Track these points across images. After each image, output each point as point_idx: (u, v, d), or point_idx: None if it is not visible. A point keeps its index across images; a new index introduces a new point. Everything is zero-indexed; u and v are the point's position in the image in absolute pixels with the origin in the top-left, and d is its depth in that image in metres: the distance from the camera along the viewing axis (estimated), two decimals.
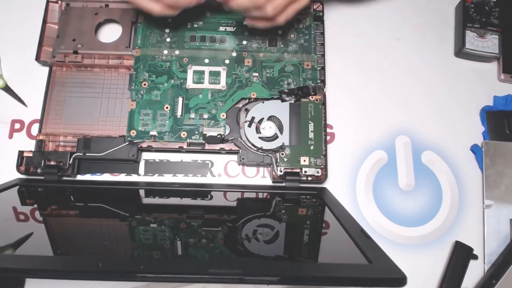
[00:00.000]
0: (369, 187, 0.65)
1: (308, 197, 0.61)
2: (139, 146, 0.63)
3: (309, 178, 0.62)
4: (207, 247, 0.48)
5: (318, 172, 0.62)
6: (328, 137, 0.66)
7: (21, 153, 0.62)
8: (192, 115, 0.63)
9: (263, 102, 0.64)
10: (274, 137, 0.63)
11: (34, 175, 0.62)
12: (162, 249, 0.47)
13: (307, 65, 0.66)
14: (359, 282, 0.37)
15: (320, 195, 0.60)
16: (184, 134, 0.62)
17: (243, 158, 0.63)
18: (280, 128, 0.63)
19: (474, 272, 0.61)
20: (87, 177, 0.64)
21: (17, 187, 0.60)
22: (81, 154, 0.62)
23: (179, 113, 0.63)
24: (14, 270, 0.37)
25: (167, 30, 0.67)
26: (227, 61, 0.65)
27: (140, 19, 0.67)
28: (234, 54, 0.66)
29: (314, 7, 0.69)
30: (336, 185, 0.65)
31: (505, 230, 0.63)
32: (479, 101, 0.70)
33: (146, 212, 0.60)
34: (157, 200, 0.63)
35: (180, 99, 0.63)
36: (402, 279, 0.35)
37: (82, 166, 0.64)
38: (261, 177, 0.66)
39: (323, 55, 0.67)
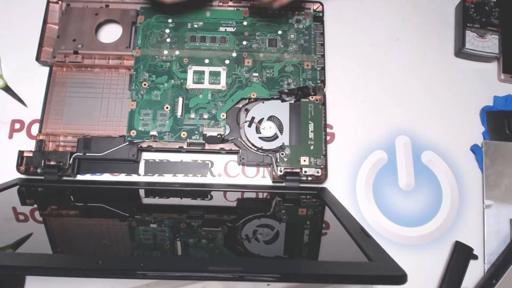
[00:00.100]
0: (369, 187, 0.65)
1: (308, 197, 0.61)
2: (139, 146, 0.63)
3: (309, 178, 0.62)
4: (207, 247, 0.47)
5: (318, 172, 0.62)
6: (328, 137, 0.66)
7: (21, 153, 0.62)
8: (192, 115, 0.63)
9: (263, 102, 0.64)
10: (274, 137, 0.63)
11: (34, 175, 0.62)
12: (162, 249, 0.47)
13: (307, 65, 0.66)
14: (360, 279, 0.37)
15: (320, 195, 0.60)
16: (184, 134, 0.62)
17: (243, 158, 0.63)
18: (280, 128, 0.63)
19: (474, 272, 0.61)
20: (87, 177, 0.64)
21: (17, 187, 0.60)
22: (81, 154, 0.62)
23: (179, 113, 0.63)
24: (15, 268, 0.37)
25: (167, 31, 0.67)
26: (227, 61, 0.66)
27: (140, 20, 0.67)
28: (234, 54, 0.66)
29: (314, 7, 0.69)
30: (336, 185, 0.65)
31: (505, 230, 0.63)
32: (479, 101, 0.70)
33: (146, 212, 0.60)
34: (157, 200, 0.63)
35: (180, 99, 0.63)
36: (403, 277, 0.35)
37: (82, 166, 0.64)
38: (261, 177, 0.66)
39: (323, 55, 0.67)
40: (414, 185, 0.66)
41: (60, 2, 0.69)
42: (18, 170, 0.62)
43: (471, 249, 0.61)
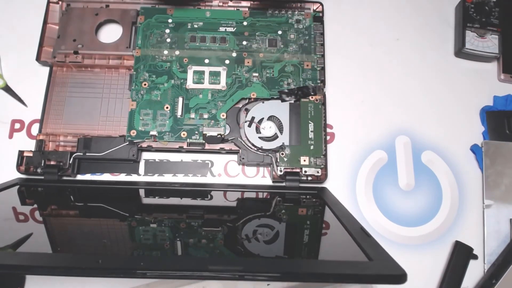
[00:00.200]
0: (369, 187, 0.65)
1: (308, 197, 0.61)
2: (139, 146, 0.63)
3: (309, 178, 0.62)
4: (207, 247, 0.47)
5: (318, 172, 0.62)
6: (328, 137, 0.66)
7: (21, 153, 0.62)
8: (192, 115, 0.63)
9: (263, 102, 0.64)
10: (274, 137, 0.63)
11: (34, 175, 0.62)
12: (162, 249, 0.47)
13: (307, 65, 0.66)
14: (360, 279, 0.37)
15: (320, 195, 0.60)
16: (184, 134, 0.62)
17: (243, 158, 0.63)
18: (280, 128, 0.63)
19: (474, 272, 0.61)
20: (87, 177, 0.64)
21: (17, 187, 0.60)
22: (81, 154, 0.62)
23: (179, 113, 0.63)
24: (15, 267, 0.37)
25: (167, 31, 0.67)
26: (227, 61, 0.66)
27: (140, 20, 0.67)
28: (234, 54, 0.66)
29: (314, 7, 0.69)
30: (336, 185, 0.65)
31: (505, 230, 0.63)
32: (479, 101, 0.70)
33: (146, 212, 0.60)
34: (157, 200, 0.63)
35: (180, 99, 0.63)
36: (402, 276, 0.35)
37: (82, 166, 0.64)
38: (261, 177, 0.66)
39: (323, 55, 0.67)
40: (414, 185, 0.66)
41: (60, 2, 0.69)
42: (18, 170, 0.62)
43: (471, 249, 0.61)
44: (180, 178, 0.65)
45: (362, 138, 0.67)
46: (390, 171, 0.66)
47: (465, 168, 0.67)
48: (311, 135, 0.63)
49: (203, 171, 0.65)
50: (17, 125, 0.66)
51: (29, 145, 0.64)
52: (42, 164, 0.61)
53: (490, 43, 0.70)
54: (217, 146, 0.63)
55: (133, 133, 0.62)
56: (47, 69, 0.67)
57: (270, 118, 0.64)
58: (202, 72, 0.65)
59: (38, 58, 0.66)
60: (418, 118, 0.69)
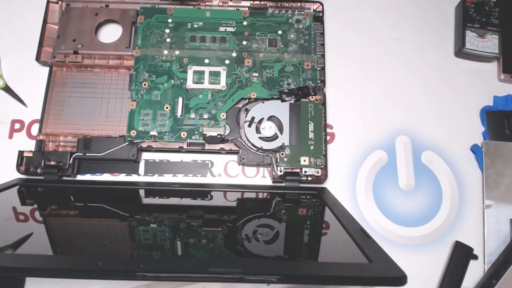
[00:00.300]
0: (369, 187, 0.65)
1: (308, 197, 0.61)
2: (139, 146, 0.63)
3: (309, 178, 0.62)
4: (207, 247, 0.47)
5: (318, 172, 0.62)
6: (328, 137, 0.66)
7: (21, 153, 0.62)
8: (192, 115, 0.63)
9: (263, 102, 0.64)
10: (274, 137, 0.63)
11: (34, 175, 0.62)
12: (162, 249, 0.47)
13: (307, 65, 0.66)
14: (360, 281, 0.37)
15: (320, 195, 0.60)
16: (184, 134, 0.62)
17: (243, 158, 0.63)
18: (280, 128, 0.63)
19: (474, 272, 0.61)
20: (87, 177, 0.64)
21: (17, 187, 0.60)
22: (81, 154, 0.62)
23: (179, 113, 0.63)
24: (15, 269, 0.37)
25: (167, 31, 0.67)
26: (227, 61, 0.66)
27: (140, 19, 0.67)
28: (234, 54, 0.66)
29: (314, 7, 0.69)
30: (336, 185, 0.65)
31: (505, 230, 0.63)
32: (479, 101, 0.70)
33: (146, 212, 0.60)
34: (157, 200, 0.63)
35: (180, 99, 0.63)
36: (402, 278, 0.35)
37: (82, 166, 0.64)
38: (261, 177, 0.66)
39: (323, 55, 0.67)
40: (414, 185, 0.66)
41: (60, 2, 0.69)
42: (18, 170, 0.62)
43: (471, 249, 0.61)
44: (180, 178, 0.65)
45: (362, 138, 0.67)
46: (390, 171, 0.66)
47: (465, 168, 0.67)
48: (311, 135, 0.63)
49: (203, 171, 0.65)
50: (17, 125, 0.66)
51: (29, 145, 0.64)
52: (42, 164, 0.61)
53: (490, 43, 0.70)
54: (217, 146, 0.63)
55: (133, 133, 0.62)
56: (47, 69, 0.67)
57: (270, 118, 0.64)
58: (202, 72, 0.65)
59: (38, 58, 0.66)
60: (418, 118, 0.69)
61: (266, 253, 0.48)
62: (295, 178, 0.62)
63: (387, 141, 0.67)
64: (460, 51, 0.71)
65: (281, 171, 0.62)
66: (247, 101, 0.65)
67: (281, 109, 0.64)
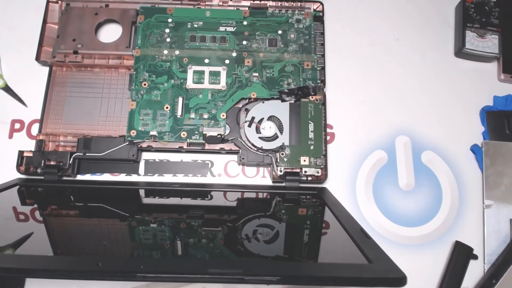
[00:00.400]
0: (369, 187, 0.65)
1: (308, 197, 0.61)
2: (139, 146, 0.63)
3: (309, 178, 0.62)
4: (207, 247, 0.47)
5: (318, 172, 0.62)
6: (328, 137, 0.66)
7: (21, 153, 0.62)
8: (192, 115, 0.63)
9: (263, 102, 0.64)
10: (274, 137, 0.63)
11: (34, 175, 0.62)
12: (162, 249, 0.47)
13: (307, 65, 0.66)
14: (359, 282, 0.37)
15: (320, 195, 0.60)
16: (184, 134, 0.62)
17: (243, 158, 0.63)
18: (280, 128, 0.63)
19: (474, 272, 0.61)
20: (87, 177, 0.64)
21: (17, 187, 0.60)
22: (81, 154, 0.62)
23: (179, 113, 0.63)
24: (15, 270, 0.37)
25: (167, 30, 0.67)
26: (227, 61, 0.66)
27: (140, 19, 0.67)
28: (234, 54, 0.66)
29: (314, 7, 0.69)
30: (336, 185, 0.65)
31: (505, 230, 0.63)
32: (479, 101, 0.70)
33: (146, 212, 0.60)
34: (157, 200, 0.63)
35: (180, 99, 0.63)
36: (402, 279, 0.35)
37: (82, 166, 0.64)
38: (261, 177, 0.66)
39: (323, 55, 0.67)
40: (414, 185, 0.66)
41: (59, 2, 0.69)
42: (18, 170, 0.62)
43: (471, 249, 0.61)
44: (180, 178, 0.65)
45: (362, 138, 0.67)
46: (390, 171, 0.66)
47: (465, 168, 0.67)
48: (311, 135, 0.63)
49: (203, 171, 0.65)
50: (17, 125, 0.66)
51: (29, 145, 0.64)
52: (42, 164, 0.61)
53: (490, 43, 0.70)
54: (217, 146, 0.63)
55: (133, 133, 0.62)
56: (46, 69, 0.67)
57: (270, 118, 0.64)
58: (202, 72, 0.65)
59: (37, 58, 0.66)
60: (418, 118, 0.69)
61: (266, 253, 0.48)
62: (295, 178, 0.62)
63: (387, 141, 0.67)
64: (460, 51, 0.71)
65: (281, 171, 0.62)
66: (247, 101, 0.65)
67: (281, 109, 0.64)
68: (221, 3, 0.69)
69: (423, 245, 0.63)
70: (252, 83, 0.65)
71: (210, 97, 0.64)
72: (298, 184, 0.62)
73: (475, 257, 0.61)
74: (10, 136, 0.66)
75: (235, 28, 0.67)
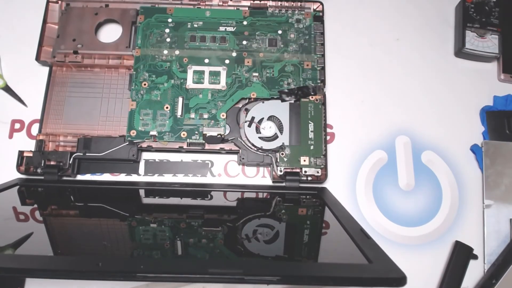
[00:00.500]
0: (369, 187, 0.65)
1: (308, 197, 0.61)
2: (139, 146, 0.63)
3: (309, 178, 0.62)
4: (207, 247, 0.47)
5: (318, 172, 0.62)
6: (328, 137, 0.66)
7: (21, 153, 0.62)
8: (192, 115, 0.63)
9: (263, 102, 0.64)
10: (274, 137, 0.63)
11: (34, 175, 0.62)
12: (162, 249, 0.47)
13: (307, 65, 0.66)
14: (359, 281, 0.37)
15: (320, 195, 0.60)
16: (184, 134, 0.62)
17: (243, 158, 0.63)
18: (280, 128, 0.63)
19: (474, 272, 0.61)
20: (87, 177, 0.64)
21: (17, 187, 0.60)
22: (81, 154, 0.62)
23: (179, 113, 0.63)
24: (15, 270, 0.37)
25: (167, 30, 0.67)
26: (227, 61, 0.65)
27: (140, 19, 0.67)
28: (234, 54, 0.66)
29: (314, 7, 0.69)
30: (336, 185, 0.65)
31: (505, 230, 0.63)
32: (479, 101, 0.70)
33: (146, 212, 0.60)
34: (157, 200, 0.63)
35: (180, 99, 0.63)
36: (402, 279, 0.35)
37: (82, 166, 0.64)
38: (261, 177, 0.66)
39: (323, 55, 0.67)
40: (414, 185, 0.66)
41: (59, 2, 0.69)
42: (18, 170, 0.62)
43: (471, 249, 0.61)
44: (180, 178, 0.65)
45: (362, 138, 0.67)
46: (390, 171, 0.66)
47: (465, 168, 0.67)
48: (311, 135, 0.63)
49: (203, 171, 0.65)
50: (17, 125, 0.66)
51: (29, 145, 0.64)
52: (42, 164, 0.61)
53: (490, 43, 0.70)
54: (217, 146, 0.63)
55: (133, 133, 0.62)
56: (46, 69, 0.67)
57: (270, 118, 0.64)
58: (202, 72, 0.65)
59: (37, 58, 0.66)
60: (418, 118, 0.69)
61: (266, 253, 0.48)
62: (295, 178, 0.62)
63: (387, 141, 0.67)
64: (460, 51, 0.71)
65: (281, 171, 0.62)
66: (247, 101, 0.65)
67: (281, 109, 0.64)
68: (221, 3, 0.69)
69: (423, 245, 0.63)
70: (252, 83, 0.65)
71: (210, 97, 0.64)
72: (298, 184, 0.62)
73: (475, 257, 0.61)
74: (10, 136, 0.66)
75: (235, 28, 0.67)
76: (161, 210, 0.61)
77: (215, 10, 0.69)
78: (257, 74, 0.65)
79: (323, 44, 0.67)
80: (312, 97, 0.64)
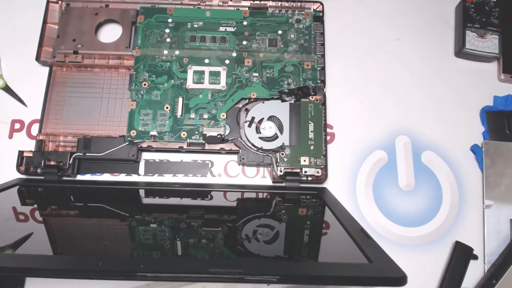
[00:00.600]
0: (369, 187, 0.65)
1: (308, 197, 0.61)
2: (139, 146, 0.63)
3: (309, 178, 0.62)
4: (207, 247, 0.47)
5: (318, 172, 0.62)
6: (328, 137, 0.66)
7: (21, 153, 0.62)
8: (192, 115, 0.63)
9: (263, 102, 0.64)
10: (274, 137, 0.63)
11: (34, 175, 0.62)
12: (162, 249, 0.47)
13: (307, 65, 0.66)
14: (359, 281, 0.37)
15: (320, 195, 0.60)
16: (184, 134, 0.62)
17: (243, 158, 0.63)
18: (280, 128, 0.63)
19: (474, 272, 0.61)
20: (87, 177, 0.64)
21: (17, 187, 0.60)
22: (81, 154, 0.62)
23: (179, 113, 0.63)
24: (15, 269, 0.37)
25: (167, 30, 0.67)
26: (227, 61, 0.66)
27: (140, 19, 0.67)
28: (234, 54, 0.66)
29: (314, 7, 0.69)
30: (336, 185, 0.65)
31: (505, 230, 0.63)
32: (479, 101, 0.70)
33: (146, 212, 0.60)
34: (157, 200, 0.63)
35: (180, 99, 0.63)
36: (402, 278, 0.35)
37: (82, 166, 0.64)
38: (261, 177, 0.66)
39: (323, 55, 0.67)
40: (414, 185, 0.66)
41: (60, 2, 0.69)
42: (18, 170, 0.62)
43: (471, 249, 0.61)
44: (180, 178, 0.65)
45: (362, 138, 0.67)
46: (390, 171, 0.66)
47: (465, 168, 0.67)
48: (311, 135, 0.63)
49: (203, 171, 0.65)
50: (17, 125, 0.66)
51: (29, 145, 0.64)
52: (42, 164, 0.61)
53: (490, 43, 0.70)
54: (217, 146, 0.63)
55: (133, 133, 0.62)
56: (46, 69, 0.67)
57: (270, 118, 0.64)
58: (202, 72, 0.65)
59: (37, 58, 0.66)
60: (418, 118, 0.69)
61: (266, 253, 0.48)
62: (295, 178, 0.62)
63: (387, 141, 0.67)
64: (460, 51, 0.71)
65: (281, 171, 0.62)
66: (247, 101, 0.65)
67: (281, 109, 0.64)
68: (221, 3, 0.69)
69: (423, 245, 0.63)
70: (252, 83, 0.65)
71: (210, 97, 0.64)
72: (298, 184, 0.62)
73: (475, 257, 0.61)
74: (10, 136, 0.66)
75: (235, 28, 0.67)
76: (161, 210, 0.61)
77: (215, 10, 0.69)
78: (257, 74, 0.65)
79: (323, 44, 0.67)
80: (312, 97, 0.64)
